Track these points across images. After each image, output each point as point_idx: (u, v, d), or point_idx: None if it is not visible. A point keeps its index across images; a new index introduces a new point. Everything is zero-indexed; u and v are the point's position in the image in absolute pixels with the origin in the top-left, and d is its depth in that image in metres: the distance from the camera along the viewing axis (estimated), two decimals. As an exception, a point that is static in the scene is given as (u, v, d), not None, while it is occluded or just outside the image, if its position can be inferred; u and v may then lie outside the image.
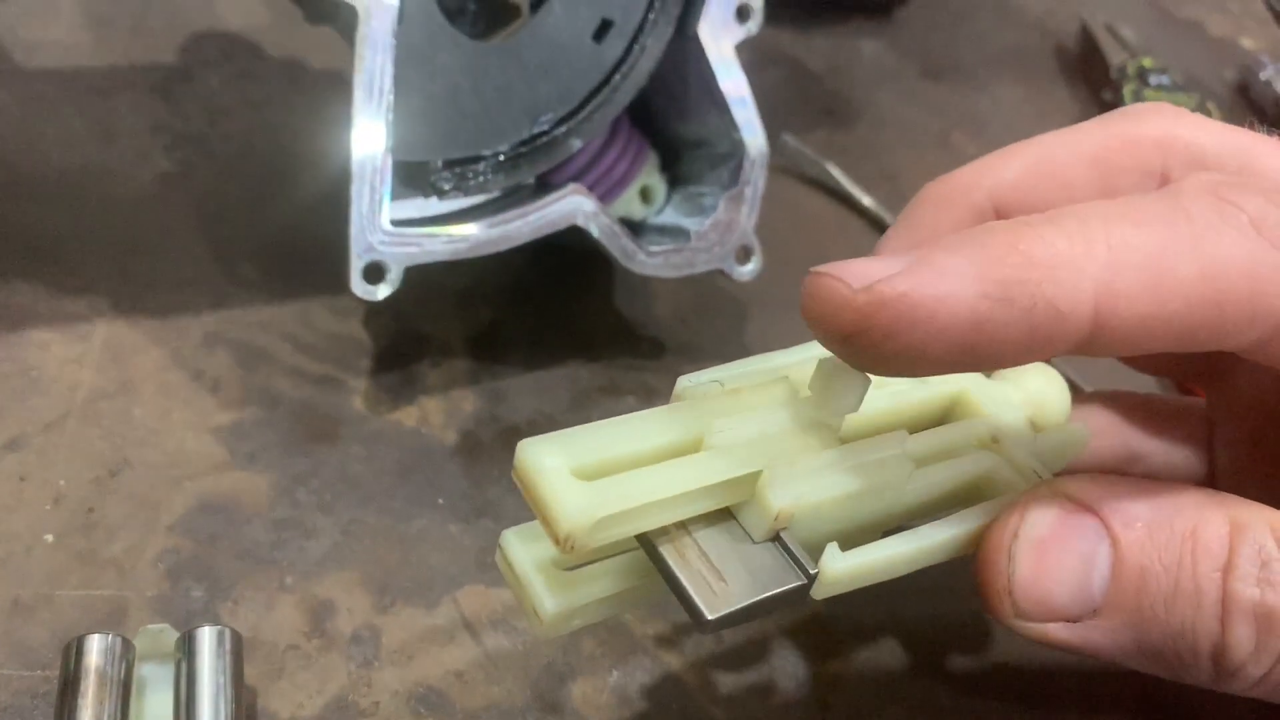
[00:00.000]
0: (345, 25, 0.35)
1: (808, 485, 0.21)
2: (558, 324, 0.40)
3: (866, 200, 0.49)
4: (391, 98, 0.31)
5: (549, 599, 0.22)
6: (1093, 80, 0.61)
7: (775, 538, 0.22)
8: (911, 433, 0.24)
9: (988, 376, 0.27)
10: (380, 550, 0.32)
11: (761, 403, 0.23)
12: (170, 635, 0.27)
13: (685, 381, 0.23)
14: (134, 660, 0.27)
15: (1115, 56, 0.60)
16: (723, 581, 0.21)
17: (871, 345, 0.20)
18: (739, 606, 0.20)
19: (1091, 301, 0.20)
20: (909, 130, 0.55)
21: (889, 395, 0.25)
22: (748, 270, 0.38)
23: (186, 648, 0.27)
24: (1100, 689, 0.32)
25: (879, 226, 0.48)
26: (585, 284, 0.42)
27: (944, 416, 0.27)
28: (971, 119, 0.56)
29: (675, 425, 0.22)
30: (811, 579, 0.21)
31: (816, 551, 0.21)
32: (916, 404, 0.26)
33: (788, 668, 0.31)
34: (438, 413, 0.36)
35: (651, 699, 0.30)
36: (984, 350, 0.20)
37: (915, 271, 0.19)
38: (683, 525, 0.21)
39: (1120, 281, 0.20)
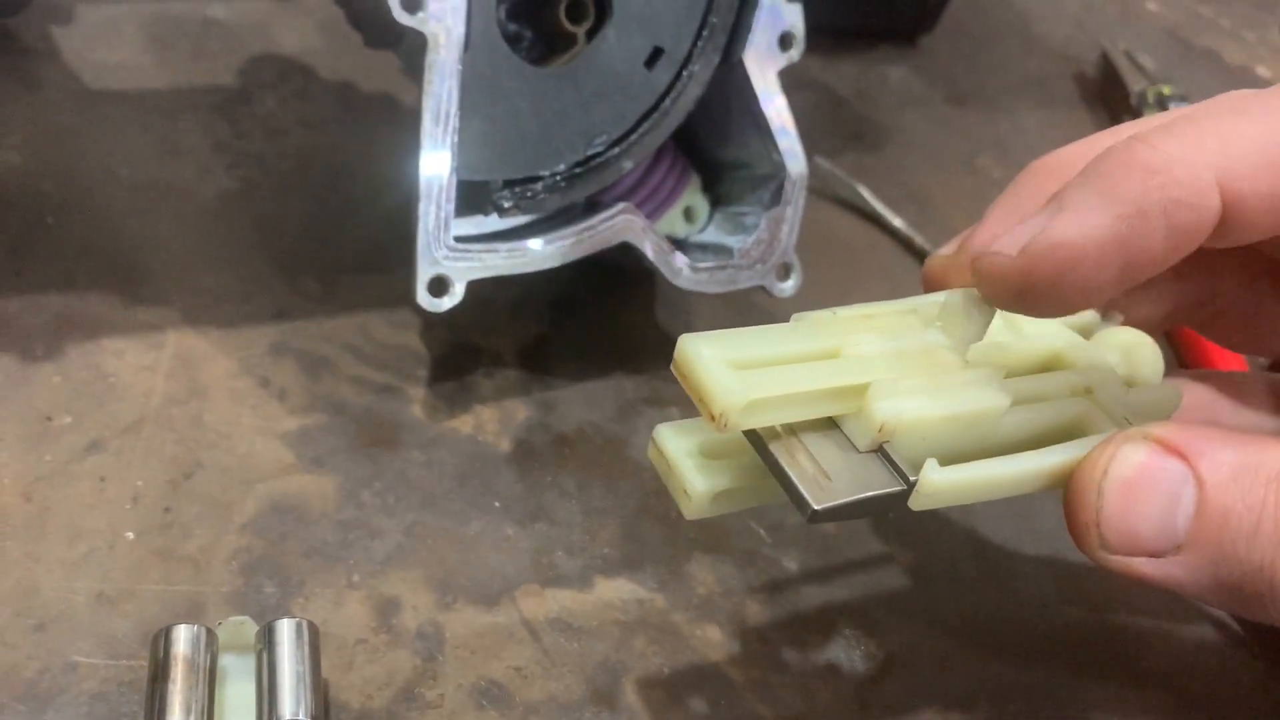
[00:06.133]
0: (409, 51, 0.37)
1: (911, 403, 0.23)
2: (603, 338, 0.42)
3: (896, 221, 0.50)
4: (457, 120, 0.33)
5: (698, 479, 0.24)
6: (1113, 106, 0.63)
7: (878, 449, 0.23)
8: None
9: (1086, 338, 0.29)
10: (441, 550, 0.33)
11: (894, 328, 0.25)
12: (250, 627, 0.29)
13: (797, 316, 0.26)
14: (217, 650, 0.28)
15: (1135, 83, 0.61)
16: (828, 479, 0.23)
17: (1044, 295, 0.22)
18: (843, 501, 0.22)
19: (1215, 188, 0.22)
20: (936, 154, 0.56)
21: (990, 349, 0.27)
22: (788, 287, 0.40)
23: (266, 639, 0.28)
24: (1135, 667, 0.33)
25: (908, 246, 0.50)
26: (628, 300, 0.44)
27: (1042, 370, 0.28)
28: (996, 143, 0.58)
29: (816, 336, 0.25)
30: (911, 486, 0.23)
31: (916, 468, 0.23)
32: (1016, 357, 0.27)
33: (830, 667, 0.33)
34: (492, 421, 0.37)
35: (701, 695, 0.31)
36: (1138, 262, 0.22)
37: (1056, 221, 0.22)
38: (792, 430, 0.23)
39: (1236, 165, 0.22)
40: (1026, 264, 0.22)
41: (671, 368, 0.24)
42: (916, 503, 0.23)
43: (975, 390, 0.24)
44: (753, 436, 0.23)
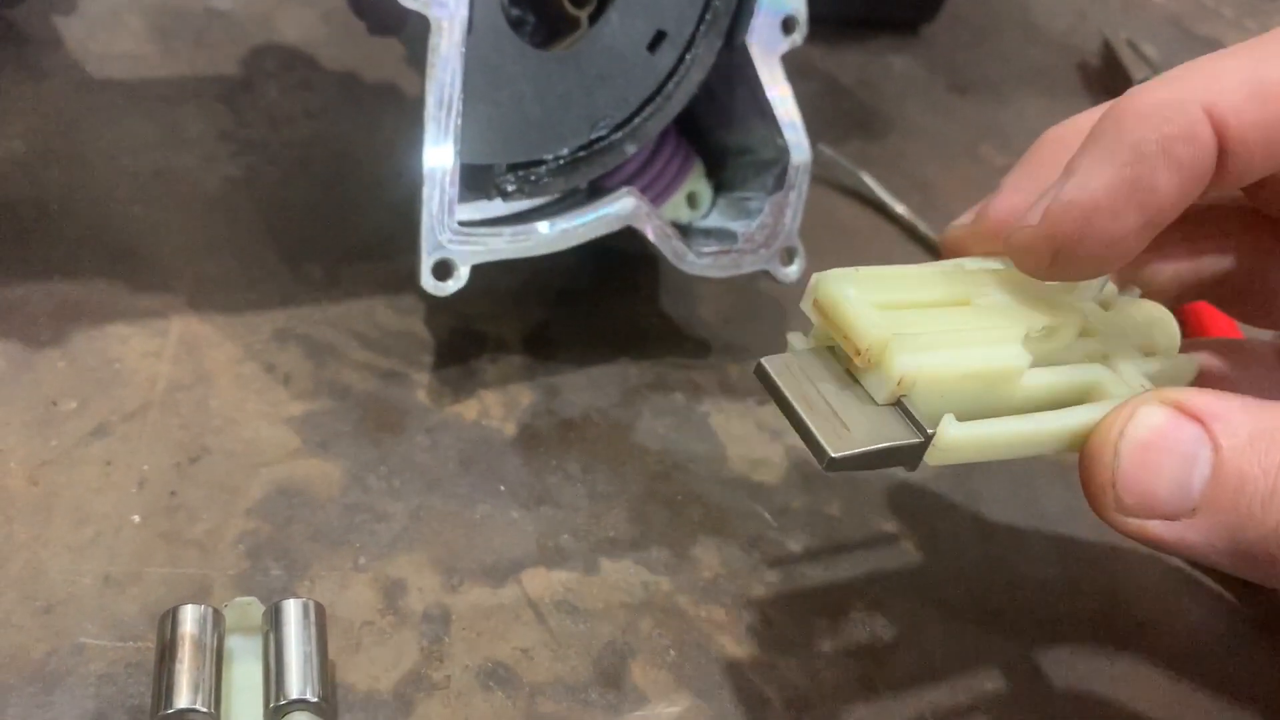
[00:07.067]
0: (412, 38, 0.37)
1: (929, 357, 0.24)
2: (607, 323, 0.42)
3: (899, 208, 0.50)
4: (461, 104, 0.33)
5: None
6: (1115, 94, 0.62)
7: (896, 402, 0.24)
8: None
9: (1105, 309, 0.29)
10: (447, 534, 0.33)
11: (1017, 280, 0.26)
12: (257, 608, 0.29)
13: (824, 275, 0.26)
14: (224, 631, 0.28)
15: (1138, 72, 0.61)
16: (846, 429, 0.23)
17: (1073, 254, 0.24)
18: (860, 450, 0.23)
19: (1205, 120, 0.23)
20: (939, 142, 0.56)
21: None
22: (792, 271, 0.40)
23: (273, 619, 0.28)
24: (1140, 647, 0.33)
25: (912, 233, 0.50)
26: (632, 286, 0.44)
27: None
28: (998, 132, 0.58)
29: (946, 284, 0.26)
30: (928, 439, 0.23)
31: (934, 424, 0.23)
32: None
33: (836, 648, 0.33)
34: (497, 406, 0.37)
35: (706, 677, 0.31)
36: (1152, 204, 0.23)
37: (1065, 184, 0.23)
38: (812, 381, 0.24)
39: (1223, 98, 0.23)
40: (1049, 228, 0.24)
41: (808, 307, 0.25)
42: (934, 457, 0.24)
43: (995, 349, 0.24)
44: (774, 389, 0.24)
